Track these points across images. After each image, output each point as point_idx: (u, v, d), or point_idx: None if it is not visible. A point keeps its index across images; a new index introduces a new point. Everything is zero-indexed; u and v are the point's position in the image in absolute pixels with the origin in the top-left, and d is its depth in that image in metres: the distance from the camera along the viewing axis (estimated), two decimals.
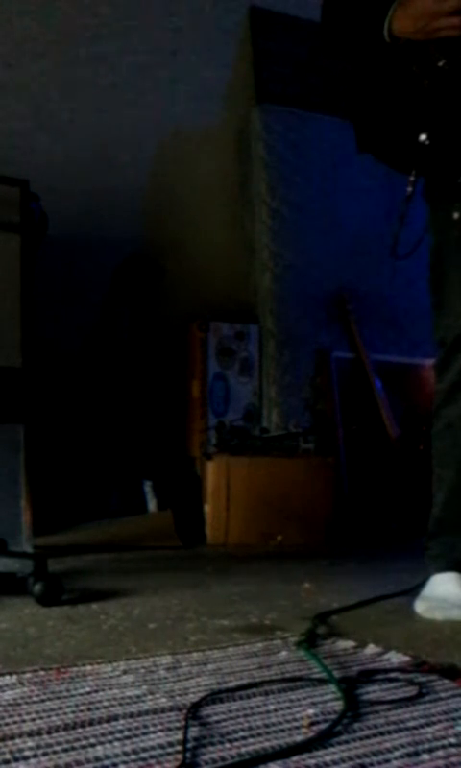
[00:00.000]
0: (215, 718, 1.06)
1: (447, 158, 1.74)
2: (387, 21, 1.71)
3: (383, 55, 1.75)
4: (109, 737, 0.98)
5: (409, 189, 1.77)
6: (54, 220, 2.76)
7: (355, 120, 1.82)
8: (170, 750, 0.94)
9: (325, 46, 1.91)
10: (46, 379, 2.88)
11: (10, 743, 0.96)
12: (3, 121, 3.35)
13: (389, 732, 1.01)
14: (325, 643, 1.48)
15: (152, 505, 3.31)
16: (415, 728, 1.03)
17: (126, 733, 0.99)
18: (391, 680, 1.23)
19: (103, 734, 0.99)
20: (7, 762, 0.90)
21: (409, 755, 0.93)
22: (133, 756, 0.92)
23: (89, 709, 1.08)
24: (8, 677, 1.23)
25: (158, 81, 3.72)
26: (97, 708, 1.09)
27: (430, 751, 0.95)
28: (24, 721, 1.03)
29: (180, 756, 0.92)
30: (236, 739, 0.98)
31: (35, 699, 1.13)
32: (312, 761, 0.91)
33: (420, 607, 1.78)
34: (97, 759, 0.91)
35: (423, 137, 1.70)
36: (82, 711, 1.07)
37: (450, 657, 1.38)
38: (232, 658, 1.37)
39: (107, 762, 0.90)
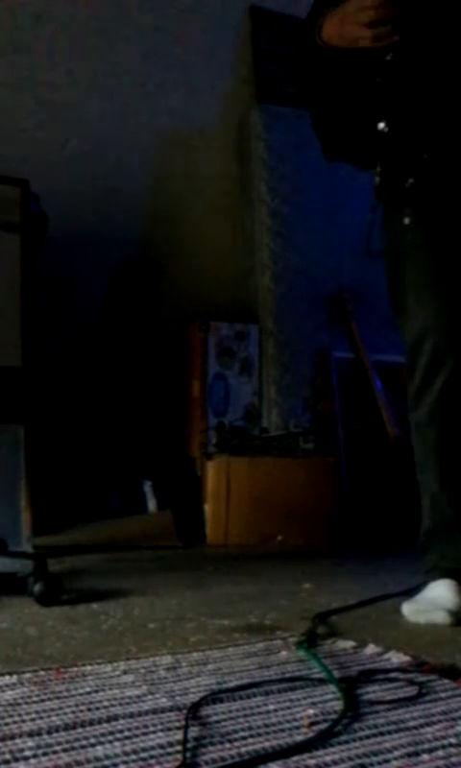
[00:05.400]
0: (215, 718, 1.06)
1: (401, 155, 1.78)
2: (317, 28, 1.77)
3: (332, 60, 1.81)
4: (109, 737, 0.98)
5: (377, 179, 1.80)
6: (54, 220, 2.77)
7: (318, 129, 1.87)
8: (170, 750, 0.94)
9: (299, 60, 1.98)
10: (46, 379, 2.88)
11: (10, 743, 0.96)
12: (3, 120, 3.35)
13: (389, 732, 1.01)
14: (325, 643, 1.48)
15: (152, 505, 3.31)
16: (415, 728, 1.03)
17: (126, 733, 0.99)
18: (391, 680, 1.23)
19: (103, 734, 0.99)
20: (7, 762, 0.90)
21: (409, 755, 0.94)
22: (133, 756, 0.92)
23: (89, 709, 1.08)
24: (8, 677, 1.23)
25: (158, 80, 3.72)
26: (97, 708, 1.09)
27: (430, 751, 0.95)
28: (24, 721, 1.03)
29: (180, 756, 0.92)
30: (236, 739, 0.98)
31: (35, 699, 1.13)
32: (312, 761, 0.91)
33: (406, 609, 1.75)
34: (97, 759, 0.91)
35: (381, 125, 1.77)
36: (82, 711, 1.08)
37: (450, 657, 1.38)
38: (232, 658, 1.37)
39: (107, 762, 0.90)
